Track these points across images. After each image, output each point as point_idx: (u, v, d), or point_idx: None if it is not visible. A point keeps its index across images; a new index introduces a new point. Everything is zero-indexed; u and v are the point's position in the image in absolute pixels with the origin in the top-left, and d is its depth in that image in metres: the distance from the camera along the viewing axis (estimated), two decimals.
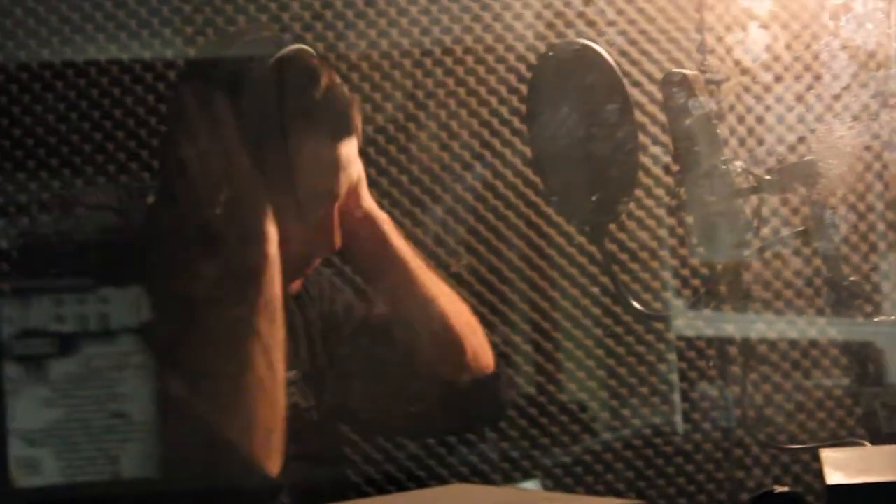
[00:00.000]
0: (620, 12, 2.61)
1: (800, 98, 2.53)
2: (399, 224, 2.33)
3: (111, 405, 2.18)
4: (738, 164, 2.11)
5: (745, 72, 2.56)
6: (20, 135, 2.47)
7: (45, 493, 2.22)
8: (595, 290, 2.60)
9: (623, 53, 2.60)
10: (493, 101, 2.59)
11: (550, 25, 2.60)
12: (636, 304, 2.31)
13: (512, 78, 2.59)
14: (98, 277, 2.04)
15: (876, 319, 2.23)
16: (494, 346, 2.39)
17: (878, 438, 2.18)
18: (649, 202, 2.60)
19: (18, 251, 2.43)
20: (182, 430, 1.97)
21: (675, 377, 2.60)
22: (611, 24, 2.60)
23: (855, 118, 2.24)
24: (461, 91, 2.59)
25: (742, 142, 2.58)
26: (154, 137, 2.48)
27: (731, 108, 2.58)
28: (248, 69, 2.09)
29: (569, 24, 2.60)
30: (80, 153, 2.48)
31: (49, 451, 2.39)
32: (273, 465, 2.01)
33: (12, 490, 2.03)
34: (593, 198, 2.14)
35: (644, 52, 2.62)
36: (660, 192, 2.60)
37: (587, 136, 2.15)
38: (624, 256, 2.60)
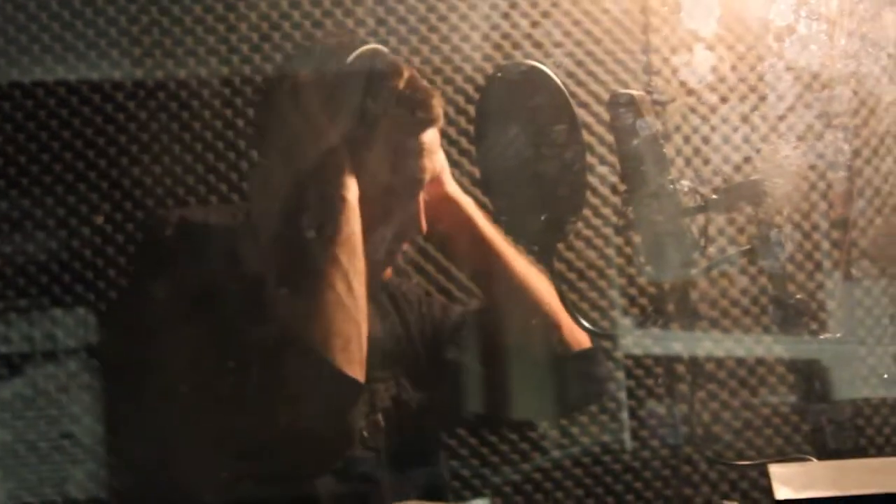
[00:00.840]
0: (567, 34, 2.63)
1: (745, 118, 2.56)
2: None
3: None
4: (686, 183, 2.12)
5: (690, 92, 2.58)
6: None
7: None
8: None
9: (570, 74, 2.62)
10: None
11: (498, 47, 2.62)
12: (584, 323, 2.32)
13: (460, 99, 2.60)
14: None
15: (822, 337, 2.26)
16: (447, 363, 2.41)
17: (824, 454, 2.20)
18: (597, 221, 2.62)
19: None
20: None
21: (623, 395, 2.62)
22: (557, 45, 2.62)
23: (800, 138, 2.27)
24: None
25: (688, 161, 2.61)
26: (102, 158, 2.49)
27: (678, 128, 2.60)
28: (330, 69, 2.19)
29: (516, 46, 2.61)
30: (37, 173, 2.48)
31: None
32: None
33: None
34: (542, 218, 2.15)
35: (590, 73, 2.64)
36: (607, 211, 2.62)
37: (535, 156, 2.17)
38: (572, 275, 2.61)
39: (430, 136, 2.25)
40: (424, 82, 2.26)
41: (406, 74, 2.22)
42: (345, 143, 2.16)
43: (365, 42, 2.23)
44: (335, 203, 2.14)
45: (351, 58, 2.18)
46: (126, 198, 2.48)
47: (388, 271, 2.32)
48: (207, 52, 2.52)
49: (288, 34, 2.55)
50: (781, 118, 2.43)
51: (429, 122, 2.24)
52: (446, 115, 2.58)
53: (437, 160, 2.28)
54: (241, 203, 2.50)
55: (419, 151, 2.23)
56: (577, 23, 2.63)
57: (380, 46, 2.24)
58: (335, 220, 2.14)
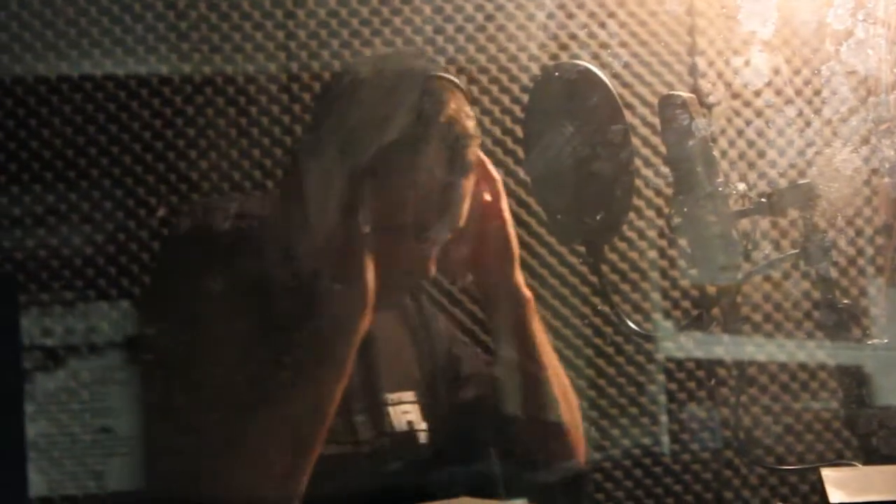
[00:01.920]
0: (613, 35, 2.63)
1: (798, 122, 2.56)
2: None
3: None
4: (741, 186, 2.12)
5: (737, 96, 2.58)
6: (14, 148, 2.46)
7: None
8: (586, 310, 2.61)
9: (615, 76, 2.61)
10: (486, 121, 2.60)
11: (543, 47, 2.62)
12: (633, 325, 2.32)
13: (505, 98, 2.60)
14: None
15: (871, 342, 2.25)
16: (486, 363, 2.41)
17: (871, 459, 2.20)
18: (641, 223, 2.62)
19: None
20: None
21: (664, 398, 2.62)
22: (603, 46, 2.62)
23: (850, 143, 2.27)
24: None
25: (733, 165, 2.60)
26: (149, 152, 2.49)
27: (723, 131, 2.60)
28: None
29: (563, 47, 2.61)
30: (75, 167, 2.48)
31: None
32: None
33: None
34: (597, 217, 2.15)
35: (636, 75, 2.63)
36: (651, 213, 2.61)
37: (588, 156, 2.17)
38: (615, 277, 2.61)
39: (465, 184, 2.18)
40: (466, 124, 2.17)
41: (448, 113, 2.15)
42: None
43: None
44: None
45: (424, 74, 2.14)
46: (173, 192, 2.49)
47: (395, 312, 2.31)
48: (255, 49, 2.52)
49: (336, 31, 2.55)
50: (836, 122, 2.43)
51: (463, 170, 2.17)
52: (491, 114, 2.59)
53: (464, 209, 2.21)
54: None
55: (448, 199, 2.17)
56: (623, 24, 2.63)
57: (454, 79, 2.19)
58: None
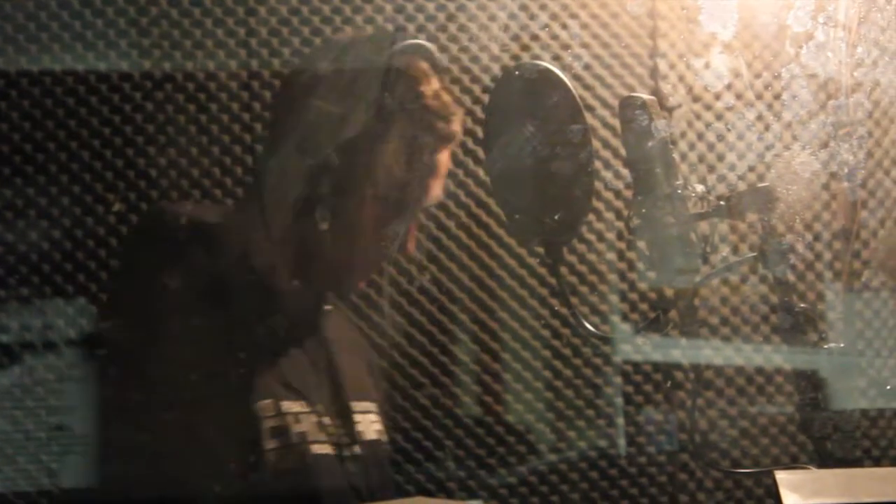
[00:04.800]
0: (575, 37, 2.63)
1: (758, 125, 2.56)
2: None
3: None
4: (699, 187, 2.12)
5: (697, 98, 2.59)
6: None
7: None
8: (544, 312, 2.61)
9: (576, 77, 2.61)
10: None
11: (505, 48, 2.62)
12: (587, 325, 2.32)
13: (466, 99, 2.59)
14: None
15: (827, 346, 2.26)
16: (442, 365, 2.40)
17: (826, 463, 2.20)
18: (600, 225, 2.62)
19: None
20: None
21: (621, 400, 2.62)
22: (565, 47, 2.62)
23: (809, 146, 2.27)
24: None
25: (693, 168, 2.61)
26: (108, 148, 2.48)
27: (683, 134, 2.60)
28: (352, 59, 2.15)
29: (524, 48, 2.61)
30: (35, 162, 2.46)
31: None
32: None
33: None
34: (556, 217, 2.14)
35: (597, 77, 2.63)
36: (610, 215, 2.61)
37: (548, 156, 2.16)
38: (573, 279, 2.61)
39: (442, 157, 2.21)
40: (451, 97, 2.22)
41: (435, 83, 2.19)
42: (363, 136, 2.13)
43: (411, 37, 2.20)
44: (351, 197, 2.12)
45: (392, 50, 2.15)
46: (131, 189, 2.47)
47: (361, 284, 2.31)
48: (216, 45, 2.51)
49: (297, 29, 2.54)
50: (796, 125, 2.44)
51: (443, 139, 2.20)
52: None
53: (440, 184, 2.24)
54: (251, 196, 2.49)
55: (426, 168, 2.20)
56: (585, 26, 2.63)
57: (426, 44, 2.21)
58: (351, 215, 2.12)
